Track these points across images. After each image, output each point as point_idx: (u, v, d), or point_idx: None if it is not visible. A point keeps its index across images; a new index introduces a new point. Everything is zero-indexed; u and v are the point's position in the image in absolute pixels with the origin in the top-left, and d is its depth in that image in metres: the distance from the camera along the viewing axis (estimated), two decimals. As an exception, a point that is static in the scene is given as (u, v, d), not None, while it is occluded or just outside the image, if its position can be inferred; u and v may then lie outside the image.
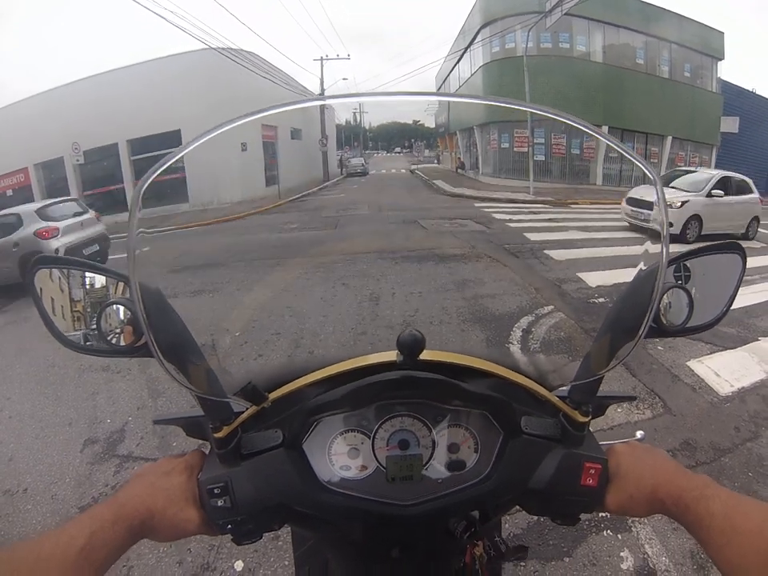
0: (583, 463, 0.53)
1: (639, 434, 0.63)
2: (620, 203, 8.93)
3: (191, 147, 0.43)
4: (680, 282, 0.55)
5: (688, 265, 0.56)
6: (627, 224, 8.53)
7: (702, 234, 8.33)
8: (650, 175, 0.45)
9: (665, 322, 0.54)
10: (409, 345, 0.52)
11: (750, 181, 9.43)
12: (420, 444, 0.56)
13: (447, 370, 0.55)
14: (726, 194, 8.60)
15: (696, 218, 8.24)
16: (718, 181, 8.68)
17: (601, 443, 0.58)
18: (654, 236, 0.43)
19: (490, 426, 0.57)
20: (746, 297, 4.45)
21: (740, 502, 0.42)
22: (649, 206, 7.45)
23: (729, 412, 2.75)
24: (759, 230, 9.47)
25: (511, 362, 0.63)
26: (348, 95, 0.49)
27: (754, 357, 3.42)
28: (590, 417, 0.56)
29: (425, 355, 0.54)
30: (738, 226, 9.07)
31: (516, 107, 0.48)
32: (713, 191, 8.32)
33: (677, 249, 0.45)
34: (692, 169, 10.78)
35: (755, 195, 9.30)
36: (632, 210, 8.29)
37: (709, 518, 0.42)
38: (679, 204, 8.07)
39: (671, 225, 7.29)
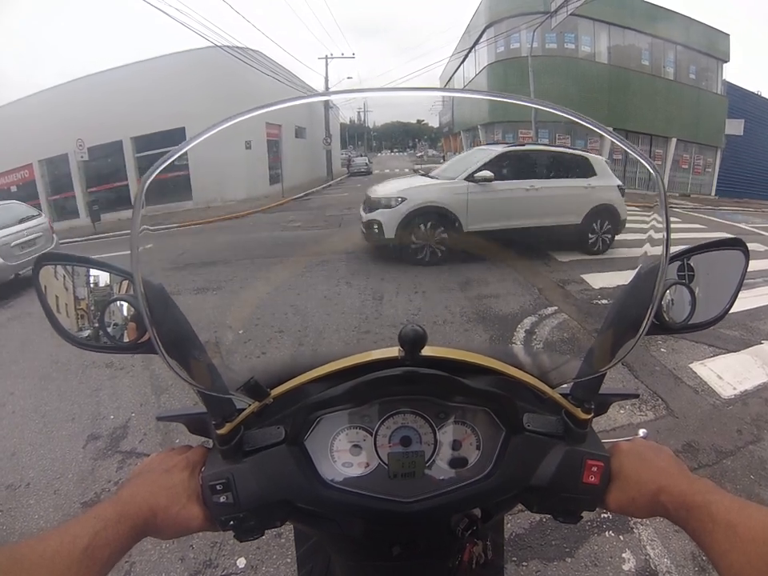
0: (585, 460, 0.53)
1: (642, 431, 0.62)
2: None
3: (195, 143, 0.44)
4: (682, 278, 0.55)
5: (691, 262, 0.55)
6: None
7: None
8: (651, 171, 0.45)
9: (667, 319, 0.54)
10: (410, 339, 0.52)
11: (599, 160, 5.99)
12: (422, 441, 0.56)
13: (449, 366, 0.55)
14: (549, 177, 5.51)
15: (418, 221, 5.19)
16: (497, 157, 5.51)
17: (603, 441, 0.58)
18: None
19: (492, 423, 0.57)
20: (749, 300, 4.43)
21: (744, 507, 0.42)
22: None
23: (731, 414, 2.74)
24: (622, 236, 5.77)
25: (513, 359, 0.62)
26: (352, 90, 0.49)
27: (756, 360, 3.40)
28: (593, 414, 0.56)
29: (427, 351, 0.54)
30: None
31: (519, 102, 0.48)
32: (476, 174, 5.27)
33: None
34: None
35: (601, 179, 5.61)
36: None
37: (711, 523, 0.42)
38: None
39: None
